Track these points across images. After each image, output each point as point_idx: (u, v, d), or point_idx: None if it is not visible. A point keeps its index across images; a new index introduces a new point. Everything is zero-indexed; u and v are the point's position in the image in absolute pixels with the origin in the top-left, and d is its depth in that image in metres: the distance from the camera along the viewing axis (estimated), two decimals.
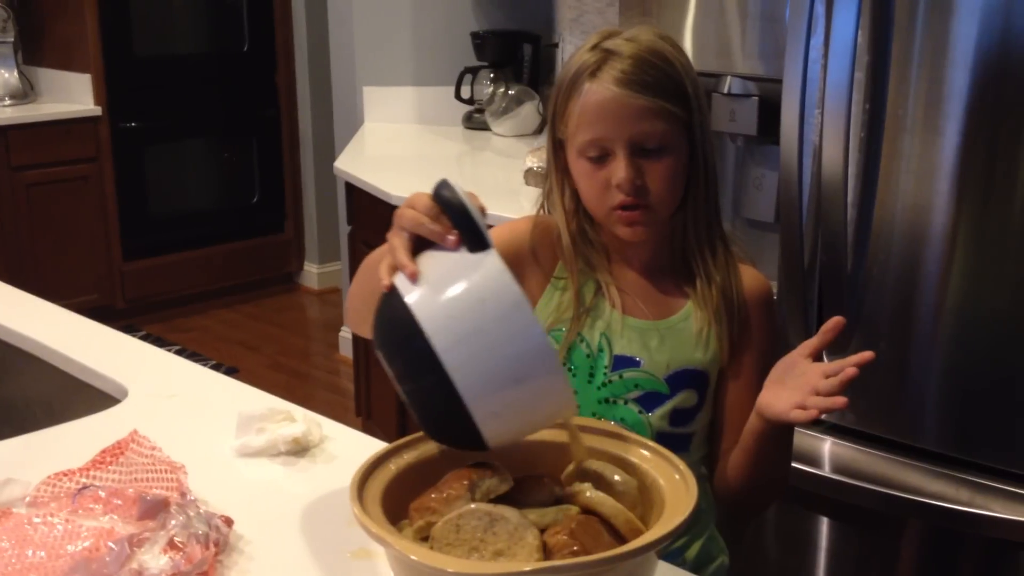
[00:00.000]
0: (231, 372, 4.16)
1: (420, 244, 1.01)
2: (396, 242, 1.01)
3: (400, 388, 0.98)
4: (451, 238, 0.99)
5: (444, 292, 0.96)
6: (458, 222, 0.99)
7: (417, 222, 1.01)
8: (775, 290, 1.84)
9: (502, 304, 0.94)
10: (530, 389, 0.95)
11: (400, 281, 0.98)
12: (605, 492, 0.99)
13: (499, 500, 0.97)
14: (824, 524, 1.91)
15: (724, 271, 1.33)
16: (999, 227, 1.63)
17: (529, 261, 1.35)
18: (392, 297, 0.97)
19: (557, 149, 1.34)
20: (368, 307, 1.03)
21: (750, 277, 1.36)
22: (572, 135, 1.29)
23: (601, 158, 1.27)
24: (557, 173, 1.35)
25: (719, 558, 1.40)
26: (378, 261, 1.04)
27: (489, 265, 0.96)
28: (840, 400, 1.12)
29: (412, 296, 0.96)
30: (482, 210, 1.02)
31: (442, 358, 0.92)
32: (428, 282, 0.97)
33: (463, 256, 0.98)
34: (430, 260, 0.99)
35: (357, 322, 1.23)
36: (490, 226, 1.03)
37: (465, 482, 0.97)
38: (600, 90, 1.25)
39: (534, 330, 0.94)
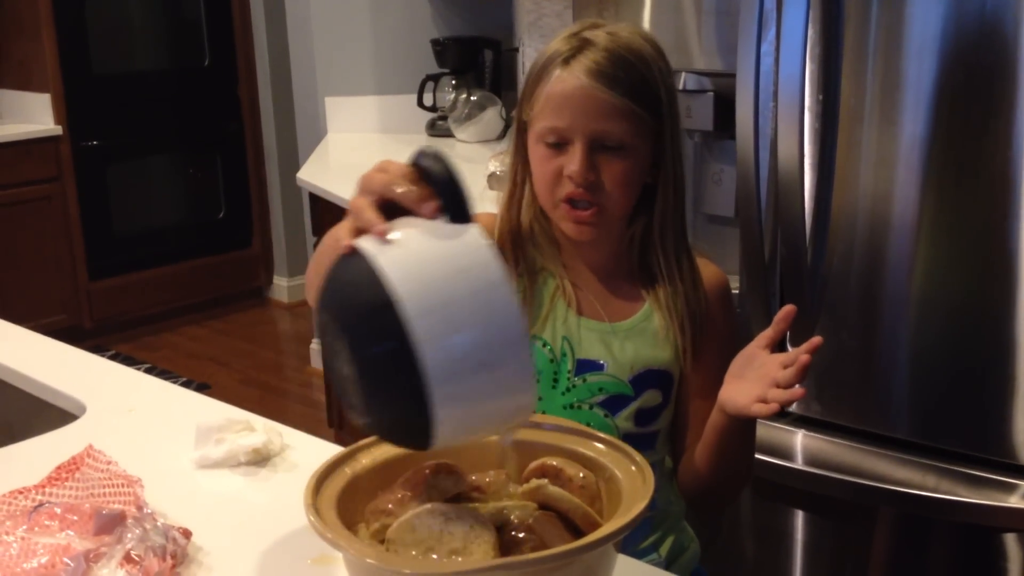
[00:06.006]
0: (202, 388, 4.13)
1: (388, 213, 0.92)
2: (361, 203, 0.92)
3: (347, 360, 0.87)
4: (430, 204, 0.90)
5: (419, 256, 0.87)
6: (443, 190, 0.90)
7: (391, 184, 0.92)
8: (737, 284, 1.85)
9: (484, 279, 0.85)
10: (495, 378, 0.86)
11: (366, 242, 0.88)
12: (563, 487, 0.99)
13: (455, 499, 0.97)
14: (799, 516, 1.91)
15: (689, 281, 1.30)
16: (960, 214, 1.64)
17: None
18: (353, 258, 0.88)
19: (520, 132, 1.31)
20: None
21: (708, 272, 1.34)
22: (535, 119, 1.26)
23: (559, 145, 1.24)
24: (516, 157, 1.32)
25: (690, 547, 1.40)
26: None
27: (473, 236, 0.88)
28: (798, 392, 1.10)
29: (381, 257, 0.86)
30: None
31: (412, 325, 0.82)
32: (401, 244, 0.88)
33: (442, 225, 0.89)
34: (403, 225, 0.90)
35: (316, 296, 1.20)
36: None
37: (420, 483, 0.96)
38: (569, 79, 1.22)
39: (512, 313, 0.85)
